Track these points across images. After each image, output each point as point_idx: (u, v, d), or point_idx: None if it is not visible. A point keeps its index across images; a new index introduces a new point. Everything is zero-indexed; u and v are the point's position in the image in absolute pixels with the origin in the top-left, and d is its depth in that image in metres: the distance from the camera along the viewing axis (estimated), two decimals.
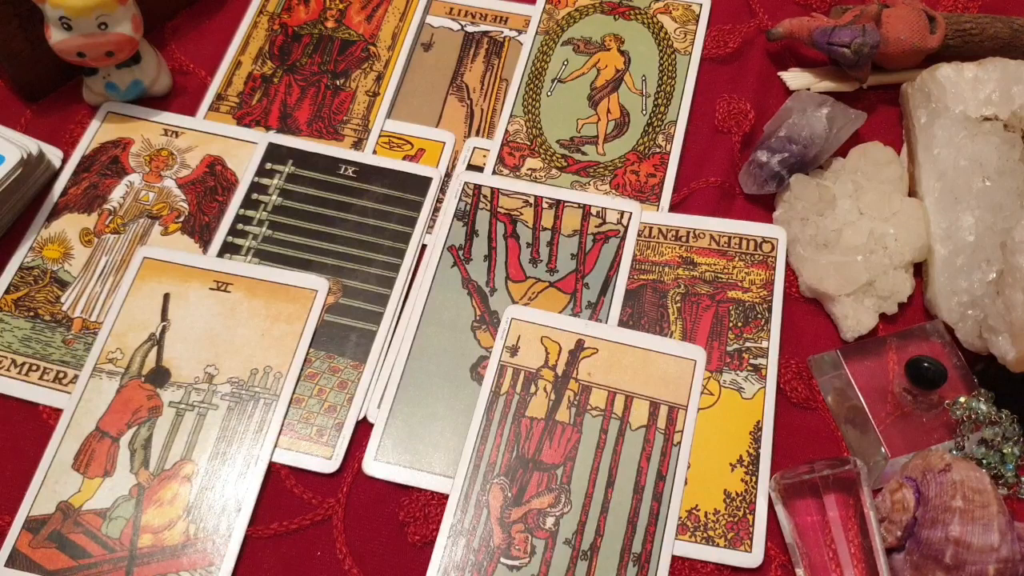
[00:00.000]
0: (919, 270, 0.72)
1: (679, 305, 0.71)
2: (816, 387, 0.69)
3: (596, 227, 0.74)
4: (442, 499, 0.64)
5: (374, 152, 0.78)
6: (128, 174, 0.77)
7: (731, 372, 0.68)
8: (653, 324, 0.70)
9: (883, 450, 0.62)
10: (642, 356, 0.68)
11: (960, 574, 0.56)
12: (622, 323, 0.70)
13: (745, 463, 0.65)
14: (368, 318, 0.70)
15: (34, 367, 0.68)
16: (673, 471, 0.64)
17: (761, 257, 0.72)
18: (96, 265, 0.72)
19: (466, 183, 0.76)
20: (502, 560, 0.61)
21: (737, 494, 0.64)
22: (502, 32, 0.85)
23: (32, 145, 0.73)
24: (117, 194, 0.76)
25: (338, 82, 0.82)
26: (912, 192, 0.74)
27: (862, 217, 0.72)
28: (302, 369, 0.68)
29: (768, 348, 0.69)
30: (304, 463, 0.65)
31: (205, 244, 0.73)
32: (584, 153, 0.78)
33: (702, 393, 0.67)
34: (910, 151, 0.76)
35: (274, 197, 0.75)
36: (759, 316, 0.70)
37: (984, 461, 0.63)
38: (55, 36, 0.71)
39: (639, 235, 0.73)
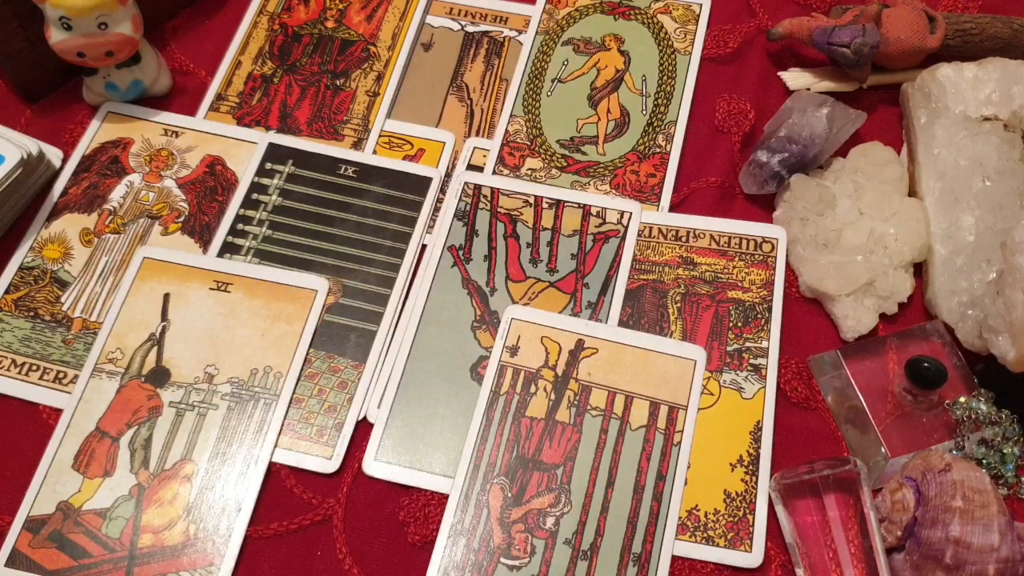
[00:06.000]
0: (919, 270, 0.72)
1: (679, 305, 0.71)
2: (816, 387, 0.69)
3: (596, 227, 0.74)
4: (442, 499, 0.64)
5: (374, 152, 0.78)
6: (128, 174, 0.77)
7: (731, 372, 0.68)
8: (653, 324, 0.70)
9: (883, 450, 0.62)
10: (642, 356, 0.68)
11: (960, 574, 0.56)
12: (622, 323, 0.70)
13: (745, 463, 0.65)
14: (368, 318, 0.70)
15: (34, 367, 0.68)
16: (673, 471, 0.64)
17: (761, 257, 0.72)
18: (96, 265, 0.72)
19: (466, 183, 0.76)
20: (502, 560, 0.61)
21: (737, 494, 0.64)
22: (502, 32, 0.85)
23: (32, 145, 0.73)
24: (117, 194, 0.76)
25: (338, 82, 0.82)
26: (912, 192, 0.74)
27: (862, 217, 0.72)
28: (302, 369, 0.68)
29: (768, 348, 0.69)
30: (304, 463, 0.65)
31: (205, 244, 0.73)
32: (584, 153, 0.78)
33: (702, 393, 0.67)
34: (910, 151, 0.76)
35: (274, 197, 0.75)
36: (759, 316, 0.70)
37: (984, 461, 0.63)
38: (55, 36, 0.71)
39: (639, 235, 0.73)
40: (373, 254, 0.73)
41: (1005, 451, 0.63)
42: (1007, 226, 0.68)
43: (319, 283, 0.71)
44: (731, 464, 0.65)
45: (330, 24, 0.85)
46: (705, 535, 0.62)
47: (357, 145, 0.78)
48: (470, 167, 0.78)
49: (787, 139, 0.73)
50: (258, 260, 0.72)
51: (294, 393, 0.67)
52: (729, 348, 0.69)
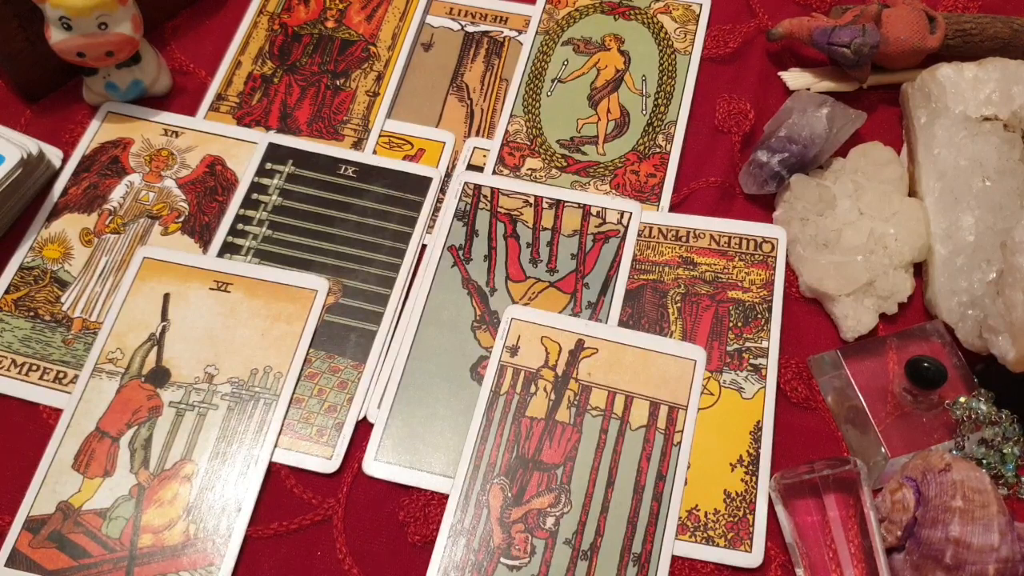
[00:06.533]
0: (919, 270, 0.72)
1: (679, 305, 0.71)
2: (816, 387, 0.69)
3: (596, 227, 0.74)
4: (442, 499, 0.64)
5: (374, 152, 0.78)
6: (128, 174, 0.77)
7: (731, 372, 0.68)
8: (653, 324, 0.70)
9: (883, 450, 0.62)
10: (642, 356, 0.68)
11: (960, 574, 0.56)
12: (622, 323, 0.70)
13: (745, 463, 0.65)
14: (368, 318, 0.70)
15: (34, 367, 0.68)
16: (673, 471, 0.64)
17: (761, 257, 0.72)
18: (96, 265, 0.72)
19: (466, 183, 0.76)
20: (502, 560, 0.61)
21: (737, 494, 0.64)
22: (502, 32, 0.85)
23: (32, 145, 0.73)
24: (117, 194, 0.76)
25: (338, 82, 0.82)
26: (912, 192, 0.74)
27: (862, 217, 0.72)
28: (302, 369, 0.68)
29: (768, 348, 0.69)
30: (304, 463, 0.65)
31: (205, 244, 0.73)
32: (584, 153, 0.78)
33: (702, 393, 0.67)
34: (910, 151, 0.76)
35: (274, 197, 0.75)
36: (759, 316, 0.70)
37: (984, 461, 0.63)
38: (55, 36, 0.71)
39: (639, 235, 0.73)
40: (373, 254, 0.73)
41: (1005, 451, 0.63)
42: (1007, 226, 0.68)
43: (319, 283, 0.71)
44: (731, 464, 0.65)
45: (330, 24, 0.85)
46: (705, 535, 0.62)
47: (357, 145, 0.78)
48: (470, 167, 0.78)
49: (787, 139, 0.73)
50: (258, 260, 0.72)
51: (294, 393, 0.67)
52: (729, 348, 0.69)
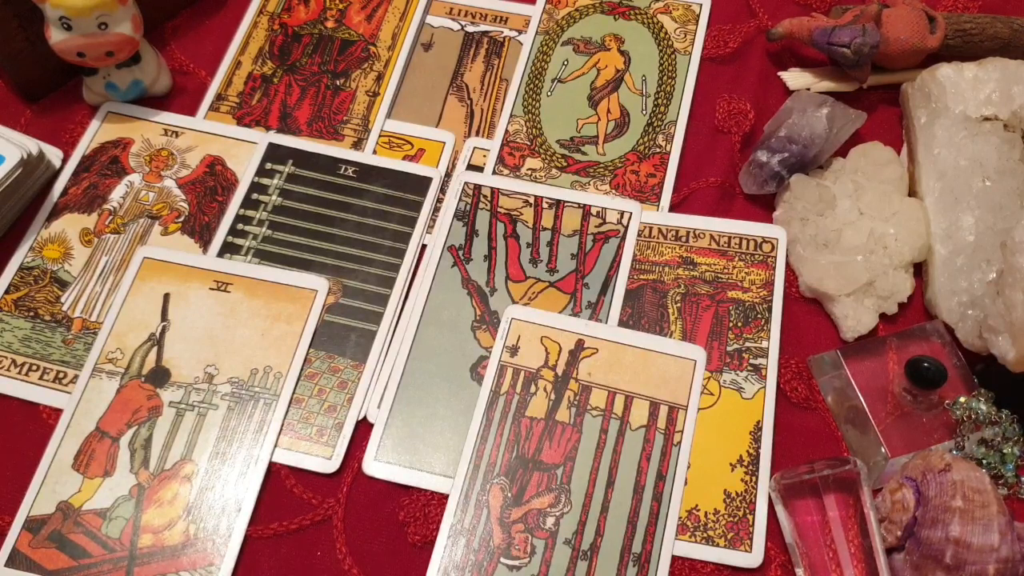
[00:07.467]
0: (919, 270, 0.72)
1: (679, 305, 0.71)
2: (816, 387, 0.69)
3: (596, 227, 0.74)
4: (442, 499, 0.64)
5: (374, 152, 0.78)
6: (128, 174, 0.77)
7: (731, 372, 0.68)
8: (653, 324, 0.70)
9: (883, 450, 0.62)
10: (642, 356, 0.68)
11: (960, 574, 0.56)
12: (622, 323, 0.70)
13: (745, 463, 0.65)
14: (368, 318, 0.70)
15: (34, 367, 0.68)
16: (673, 471, 0.64)
17: (761, 257, 0.72)
18: (96, 265, 0.72)
19: (466, 183, 0.76)
20: (502, 560, 0.61)
21: (737, 494, 0.64)
22: (502, 32, 0.85)
23: (32, 145, 0.73)
24: (117, 194, 0.76)
25: (338, 82, 0.82)
26: (912, 192, 0.74)
27: (862, 217, 0.72)
28: (302, 369, 0.68)
29: (768, 348, 0.69)
30: (304, 463, 0.65)
31: (205, 244, 0.73)
32: (584, 153, 0.78)
33: (702, 393, 0.67)
34: (910, 151, 0.76)
35: (274, 197, 0.75)
36: (759, 316, 0.70)
37: (984, 461, 0.63)
38: (55, 36, 0.71)
39: (639, 235, 0.73)
40: (373, 254, 0.73)
41: (1005, 451, 0.63)
42: (1007, 226, 0.68)
43: (319, 283, 0.71)
44: (731, 464, 0.65)
45: (330, 24, 0.85)
46: (705, 535, 0.62)
47: (357, 145, 0.78)
48: (470, 167, 0.78)
49: (787, 139, 0.73)
50: (258, 260, 0.72)
51: (294, 393, 0.67)
52: (729, 348, 0.69)
